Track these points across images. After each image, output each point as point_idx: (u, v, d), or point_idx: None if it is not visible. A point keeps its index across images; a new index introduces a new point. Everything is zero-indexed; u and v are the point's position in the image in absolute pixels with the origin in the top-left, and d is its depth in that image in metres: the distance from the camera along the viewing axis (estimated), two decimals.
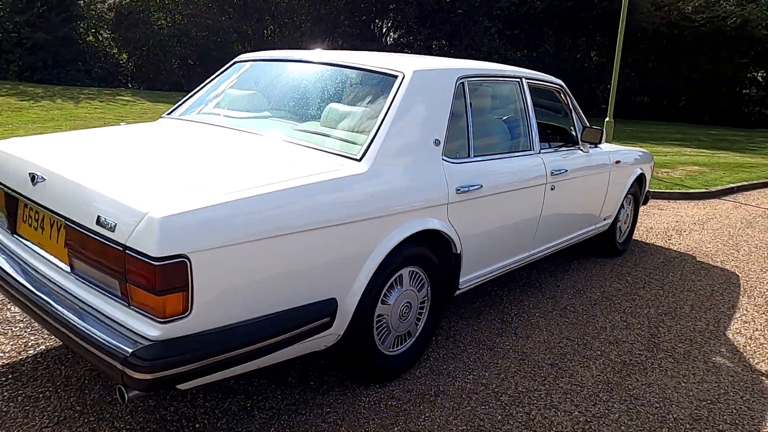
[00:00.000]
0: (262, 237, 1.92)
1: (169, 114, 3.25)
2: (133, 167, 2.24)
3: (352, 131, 2.55)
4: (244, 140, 2.64)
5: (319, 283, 2.16)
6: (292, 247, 2.03)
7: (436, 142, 2.65)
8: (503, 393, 2.67)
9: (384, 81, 2.67)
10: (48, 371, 2.55)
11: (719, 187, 8.70)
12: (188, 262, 1.73)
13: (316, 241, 2.10)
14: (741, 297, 4.19)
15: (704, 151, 14.07)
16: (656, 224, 6.24)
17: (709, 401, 2.75)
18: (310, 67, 3.06)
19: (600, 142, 3.83)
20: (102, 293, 1.92)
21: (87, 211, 1.89)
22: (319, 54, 3.13)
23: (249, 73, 3.30)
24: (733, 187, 8.95)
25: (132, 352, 1.70)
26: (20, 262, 2.29)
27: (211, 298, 1.82)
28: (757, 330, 3.62)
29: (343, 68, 2.88)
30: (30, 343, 2.77)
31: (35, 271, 2.21)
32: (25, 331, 2.85)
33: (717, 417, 2.62)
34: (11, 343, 2.74)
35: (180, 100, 3.33)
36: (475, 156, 2.89)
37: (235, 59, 3.43)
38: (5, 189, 2.34)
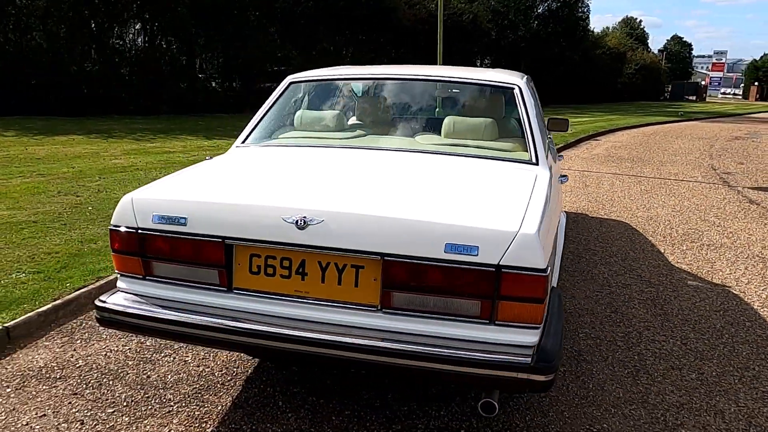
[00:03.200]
0: (551, 238, 2.18)
1: (245, 142, 3.05)
2: (403, 194, 2.25)
3: (497, 140, 2.84)
4: (417, 160, 2.71)
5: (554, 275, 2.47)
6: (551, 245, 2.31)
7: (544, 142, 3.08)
8: (636, 344, 3.27)
9: (503, 93, 3.00)
10: None
11: None
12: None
13: (556, 237, 2.40)
14: (648, 237, 5.47)
15: None
16: None
17: (722, 310, 3.74)
18: (411, 83, 3.19)
19: (566, 130, 4.63)
20: (438, 318, 1.96)
21: (422, 242, 1.90)
22: (410, 69, 3.25)
23: (335, 91, 3.26)
24: None
25: (533, 358, 1.85)
26: (260, 316, 2.10)
27: None
28: (685, 257, 4.85)
29: (454, 83, 3.10)
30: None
31: (299, 320, 2.07)
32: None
33: (738, 319, 3.60)
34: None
35: None
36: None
37: (289, 80, 3.31)
38: (227, 242, 2.09)
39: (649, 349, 3.17)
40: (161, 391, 2.62)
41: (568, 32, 33.79)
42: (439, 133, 3.03)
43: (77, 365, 2.84)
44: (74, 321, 3.34)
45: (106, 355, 2.94)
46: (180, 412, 2.46)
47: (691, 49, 75.74)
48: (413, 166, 2.62)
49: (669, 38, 75.17)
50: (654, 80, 49.40)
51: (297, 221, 2.00)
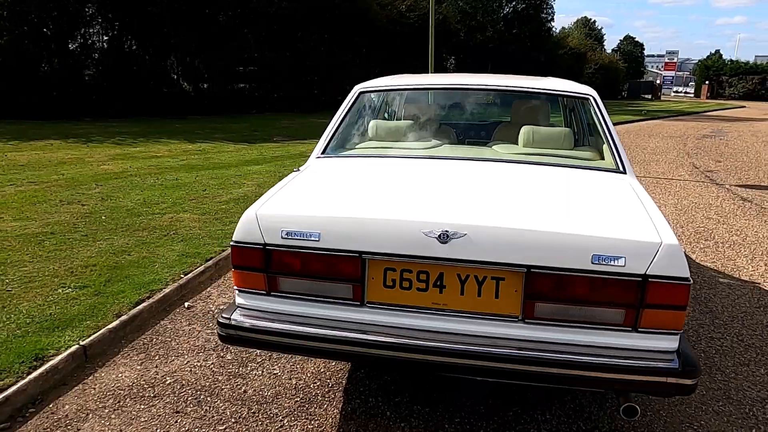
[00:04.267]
0: None
1: (325, 152, 3.04)
2: (532, 206, 2.30)
3: (575, 148, 2.93)
4: (513, 170, 2.76)
5: None
6: None
7: None
8: (697, 342, 3.40)
9: (579, 103, 3.09)
10: None
11: None
12: None
13: None
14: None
15: None
16: None
17: (762, 306, 3.93)
18: (476, 93, 3.24)
19: None
20: (579, 327, 2.02)
21: (569, 254, 1.96)
22: (477, 79, 3.29)
23: (403, 101, 3.28)
24: None
25: (680, 363, 1.93)
26: (397, 329, 2.12)
27: None
28: (706, 255, 5.06)
29: (530, 93, 3.16)
30: None
31: (441, 332, 2.10)
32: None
33: None
34: None
35: None
36: None
37: (357, 90, 3.32)
38: (363, 256, 2.10)
39: (711, 346, 3.31)
40: (264, 406, 2.61)
41: (533, 33, 34.50)
42: (514, 142, 3.10)
43: (167, 382, 2.79)
44: (143, 336, 3.27)
45: (191, 371, 2.90)
46: (293, 427, 2.46)
47: (643, 49, 78.18)
48: (516, 176, 2.67)
49: (622, 38, 77.33)
50: (612, 79, 50.76)
51: (440, 235, 2.03)
